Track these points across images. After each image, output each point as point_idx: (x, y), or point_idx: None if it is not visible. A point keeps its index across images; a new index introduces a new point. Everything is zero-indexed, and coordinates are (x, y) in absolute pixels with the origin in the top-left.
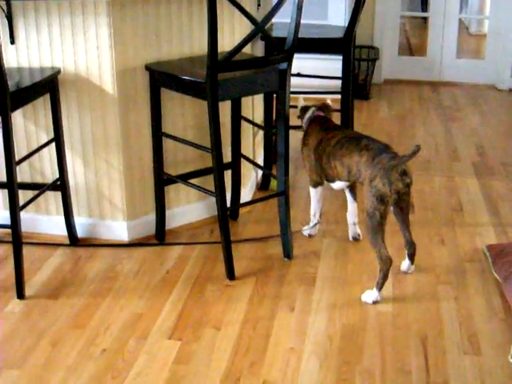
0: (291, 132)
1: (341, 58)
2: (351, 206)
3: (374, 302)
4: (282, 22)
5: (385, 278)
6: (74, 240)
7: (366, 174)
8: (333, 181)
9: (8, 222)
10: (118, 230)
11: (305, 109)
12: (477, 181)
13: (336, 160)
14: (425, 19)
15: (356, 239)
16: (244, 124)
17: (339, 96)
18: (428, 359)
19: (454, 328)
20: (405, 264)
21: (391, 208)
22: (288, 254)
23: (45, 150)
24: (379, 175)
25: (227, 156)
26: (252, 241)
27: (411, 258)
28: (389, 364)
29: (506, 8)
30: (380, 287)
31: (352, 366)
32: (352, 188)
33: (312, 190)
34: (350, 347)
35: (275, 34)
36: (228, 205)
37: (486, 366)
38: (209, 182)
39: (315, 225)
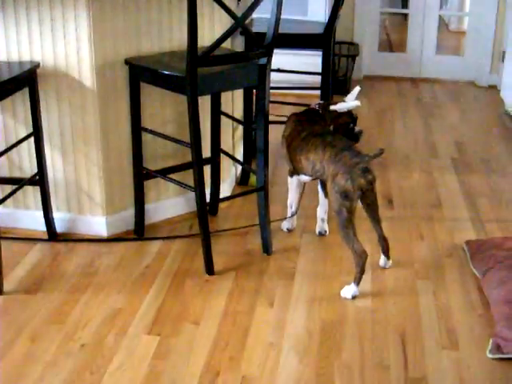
0: (271, 127)
1: (321, 53)
2: (322, 202)
3: (353, 297)
4: (261, 17)
5: (362, 272)
6: (52, 235)
7: (329, 170)
8: (298, 174)
9: None
10: (97, 224)
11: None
12: (456, 176)
13: (302, 155)
14: (405, 15)
15: (322, 235)
16: (224, 119)
17: (319, 92)
18: (406, 354)
19: (432, 323)
20: (382, 259)
21: (359, 204)
22: (267, 248)
23: (23, 144)
24: (341, 171)
25: (207, 151)
26: (231, 232)
27: (385, 253)
28: (367, 359)
29: (485, 5)
30: (358, 282)
31: (331, 361)
32: (324, 185)
33: (288, 179)
34: (328, 342)
35: (255, 29)
36: (207, 200)
37: (465, 361)
38: (188, 176)
39: (292, 216)
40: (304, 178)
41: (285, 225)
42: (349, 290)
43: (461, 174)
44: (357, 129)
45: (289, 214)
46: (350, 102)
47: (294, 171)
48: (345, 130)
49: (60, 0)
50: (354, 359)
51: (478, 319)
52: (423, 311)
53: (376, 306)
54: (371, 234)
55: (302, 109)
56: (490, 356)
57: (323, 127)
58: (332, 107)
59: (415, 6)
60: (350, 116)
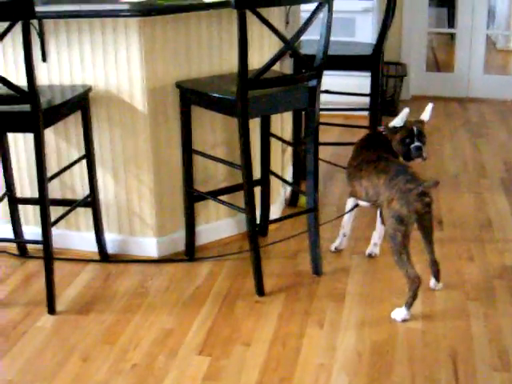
0: (320, 148)
1: (369, 74)
2: (378, 227)
3: (404, 321)
4: (309, 39)
5: (414, 296)
6: (104, 256)
7: (384, 196)
8: (357, 199)
9: (40, 237)
10: (148, 246)
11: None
12: (505, 197)
13: (355, 181)
14: (452, 35)
15: (371, 257)
16: (273, 140)
17: (367, 113)
18: (458, 376)
19: (483, 345)
20: (432, 282)
21: (414, 226)
22: (317, 270)
23: (76, 166)
24: (396, 197)
25: (256, 172)
26: (281, 254)
27: (436, 276)
28: (418, 381)
29: None
30: (409, 306)
31: (381, 383)
32: (382, 211)
33: (348, 200)
34: (379, 364)
35: (303, 51)
36: (257, 221)
37: None
38: (238, 198)
39: (342, 237)
40: (362, 203)
41: (334, 244)
42: (400, 313)
43: (510, 193)
44: (414, 144)
45: (340, 234)
46: (404, 110)
47: (352, 194)
48: (403, 146)
49: (112, 24)
50: (404, 381)
51: None
52: (474, 333)
53: (426, 327)
54: (422, 256)
55: (352, 130)
56: None
57: (381, 151)
58: (390, 124)
59: (462, 26)
60: (407, 131)
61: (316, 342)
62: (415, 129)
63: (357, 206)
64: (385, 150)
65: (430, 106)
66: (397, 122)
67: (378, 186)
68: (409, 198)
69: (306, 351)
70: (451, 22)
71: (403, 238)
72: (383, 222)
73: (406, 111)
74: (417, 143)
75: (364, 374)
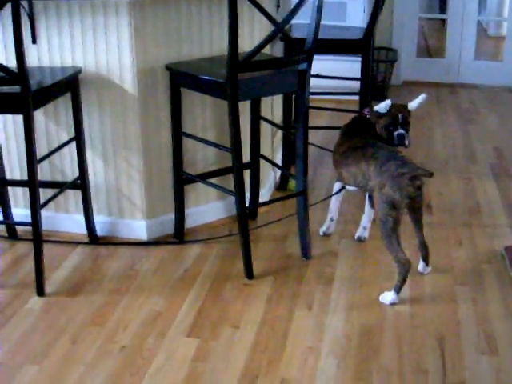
0: (310, 132)
1: (360, 59)
2: (367, 211)
3: (392, 304)
4: (300, 23)
5: (403, 281)
6: (93, 238)
7: (375, 182)
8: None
9: (29, 219)
10: (138, 228)
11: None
12: (495, 183)
13: (342, 168)
14: (443, 21)
15: (361, 240)
16: (263, 124)
17: (357, 97)
18: (445, 359)
19: (471, 328)
20: (420, 265)
21: (405, 211)
22: (306, 253)
23: (65, 148)
24: (388, 183)
25: (246, 156)
26: (270, 237)
27: (425, 259)
28: (406, 364)
29: None
30: (398, 290)
31: (369, 365)
32: (371, 195)
33: (335, 184)
34: (367, 346)
35: (294, 34)
36: (247, 204)
37: (504, 367)
38: (228, 181)
39: (330, 221)
40: (349, 187)
41: (321, 229)
42: (388, 297)
43: (500, 179)
44: (397, 132)
45: (328, 219)
46: (386, 101)
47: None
48: (386, 133)
49: (102, 7)
50: (392, 364)
51: None
52: (462, 317)
53: (415, 311)
54: (410, 241)
55: (342, 115)
56: None
57: (367, 137)
58: (375, 108)
59: (453, 12)
60: (392, 117)
61: (304, 325)
62: (400, 116)
63: (343, 189)
64: (371, 134)
65: (422, 97)
66: (380, 108)
67: (368, 173)
68: (401, 183)
69: (295, 334)
70: (443, 7)
71: (394, 223)
72: (372, 206)
73: (388, 102)
74: (400, 131)
75: (352, 357)
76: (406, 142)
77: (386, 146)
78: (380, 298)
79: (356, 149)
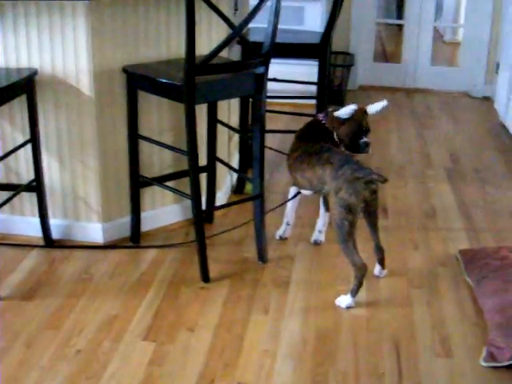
0: (266, 136)
1: (316, 63)
2: (322, 214)
3: (348, 308)
4: (257, 27)
5: (360, 284)
6: (49, 241)
7: (331, 186)
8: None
9: None
10: (93, 231)
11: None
12: (450, 187)
13: (297, 173)
14: (400, 26)
15: (317, 244)
16: (220, 127)
17: (314, 101)
18: (401, 362)
19: (426, 331)
20: (376, 269)
21: (360, 215)
22: (262, 257)
23: (20, 150)
24: (344, 187)
25: (202, 159)
26: (226, 240)
27: (381, 262)
28: (362, 367)
29: (480, 16)
30: (355, 294)
31: (326, 369)
32: (326, 199)
33: (291, 188)
34: (323, 350)
35: (252, 38)
36: (203, 208)
37: (458, 369)
38: (184, 184)
39: (286, 225)
40: (305, 191)
41: (278, 232)
42: (344, 301)
43: (455, 184)
44: (363, 140)
45: (284, 223)
46: (350, 106)
47: (294, 184)
48: (350, 139)
49: (59, 8)
50: (348, 367)
51: (471, 328)
52: (417, 320)
53: (370, 314)
54: (366, 244)
55: (299, 118)
56: (484, 364)
57: (321, 142)
58: (336, 113)
59: (410, 17)
60: (357, 124)
61: (261, 328)
62: (364, 123)
63: (299, 193)
64: (325, 139)
65: (383, 104)
66: (342, 113)
67: (324, 177)
68: (357, 187)
69: (251, 337)
70: (399, 13)
71: (350, 227)
72: (327, 210)
73: (352, 107)
74: (365, 139)
75: (308, 360)
76: (370, 150)
77: (340, 150)
78: (336, 302)
79: (311, 154)
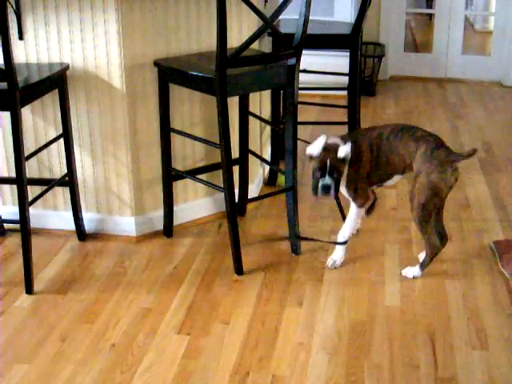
0: (299, 127)
1: (347, 54)
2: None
3: (414, 277)
4: (288, 18)
5: (430, 261)
6: (82, 235)
7: (423, 166)
8: (390, 177)
9: (17, 217)
10: (126, 225)
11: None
12: (483, 177)
13: (392, 153)
14: (430, 16)
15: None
16: (251, 119)
17: (346, 92)
18: (436, 354)
19: (461, 323)
20: (422, 254)
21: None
22: (296, 249)
23: (53, 145)
24: (437, 170)
25: (235, 151)
26: (260, 233)
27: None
28: (397, 359)
29: (511, 5)
30: (424, 267)
31: (360, 361)
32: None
33: (356, 210)
34: (358, 342)
35: (282, 30)
36: (236, 200)
37: (494, 361)
38: (217, 177)
39: (343, 244)
40: (396, 178)
41: (334, 261)
42: (412, 271)
43: (488, 174)
44: (323, 182)
45: (339, 244)
46: (320, 138)
47: (384, 181)
48: (313, 177)
49: (89, 2)
50: (383, 359)
51: (507, 319)
52: (452, 311)
53: (405, 306)
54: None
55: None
56: None
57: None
58: (308, 149)
59: (440, 7)
60: (321, 162)
61: (295, 321)
62: (328, 162)
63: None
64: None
65: (344, 148)
66: (313, 149)
67: (415, 155)
68: (447, 172)
69: (285, 330)
70: (430, 2)
71: (436, 209)
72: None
73: (321, 140)
74: (327, 180)
75: (343, 353)
76: (332, 194)
77: (433, 133)
78: (403, 272)
79: (402, 130)
